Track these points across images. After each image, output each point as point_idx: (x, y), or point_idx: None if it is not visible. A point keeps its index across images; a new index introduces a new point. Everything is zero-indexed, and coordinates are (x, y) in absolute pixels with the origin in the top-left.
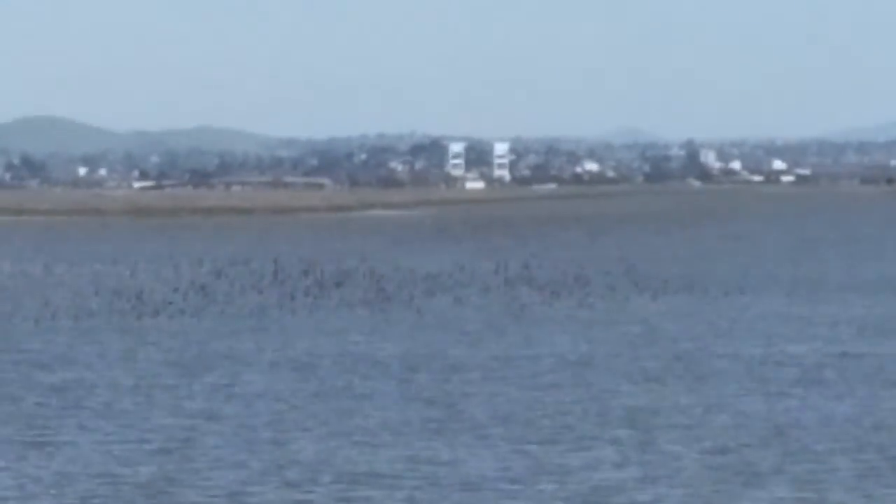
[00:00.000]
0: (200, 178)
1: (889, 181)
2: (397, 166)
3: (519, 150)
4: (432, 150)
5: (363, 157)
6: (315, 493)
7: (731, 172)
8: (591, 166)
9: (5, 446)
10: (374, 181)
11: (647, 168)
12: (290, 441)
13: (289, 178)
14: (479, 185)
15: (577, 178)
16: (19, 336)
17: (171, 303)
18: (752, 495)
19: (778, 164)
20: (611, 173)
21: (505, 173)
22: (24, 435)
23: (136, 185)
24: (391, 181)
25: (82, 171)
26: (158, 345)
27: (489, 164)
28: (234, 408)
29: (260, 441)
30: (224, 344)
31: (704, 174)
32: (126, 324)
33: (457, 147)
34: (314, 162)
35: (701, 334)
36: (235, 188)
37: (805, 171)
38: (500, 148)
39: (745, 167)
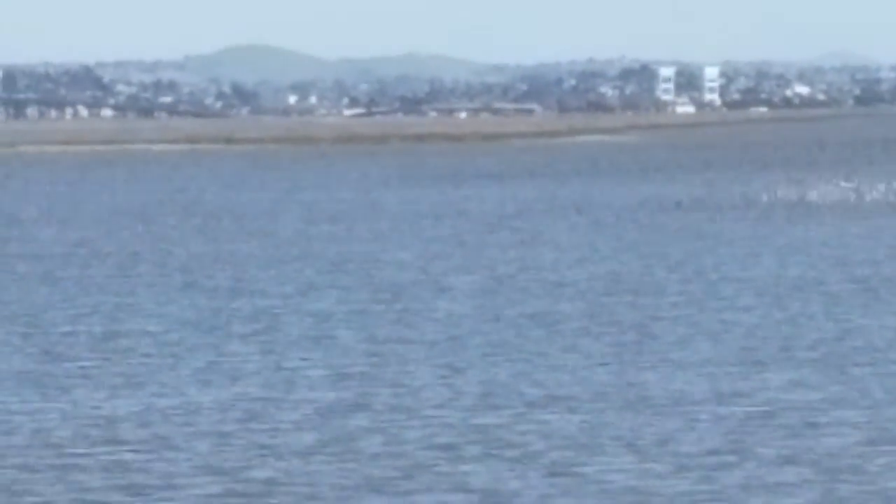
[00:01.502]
0: (410, 105)
1: None
2: (607, 91)
3: (729, 74)
4: (642, 74)
5: (572, 82)
6: (496, 417)
7: None
8: (802, 90)
9: (195, 373)
10: (584, 106)
11: (857, 91)
12: (473, 365)
13: (498, 105)
14: (690, 109)
15: (788, 102)
16: (247, 270)
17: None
18: None
19: None
20: (821, 97)
21: (715, 97)
22: (211, 363)
23: (347, 112)
24: (601, 106)
25: (292, 98)
26: (350, 272)
27: (699, 88)
28: (421, 333)
29: (444, 365)
30: (413, 271)
31: None
32: (321, 251)
33: (667, 72)
34: (523, 88)
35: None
36: (433, 114)
37: None
38: (711, 72)
39: None
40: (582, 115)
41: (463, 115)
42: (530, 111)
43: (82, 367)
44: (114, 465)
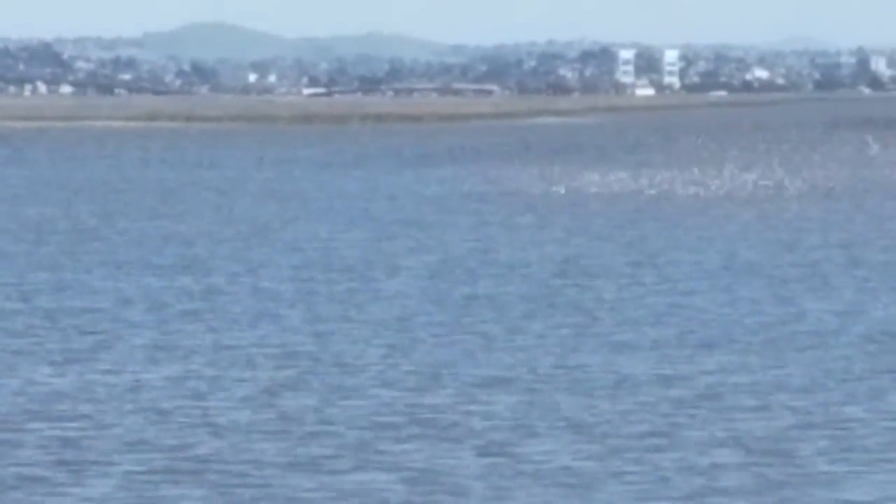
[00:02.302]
0: (370, 84)
1: None
2: (566, 73)
3: (689, 57)
4: (602, 57)
5: (532, 63)
6: (436, 397)
7: None
8: (761, 73)
9: (138, 350)
10: (544, 88)
11: (816, 75)
12: (417, 345)
13: (458, 85)
14: (650, 91)
15: (747, 86)
16: (200, 243)
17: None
18: (890, 399)
19: None
20: (780, 81)
21: (675, 80)
22: (155, 340)
23: (306, 91)
24: (560, 88)
25: (252, 77)
26: (300, 251)
27: (659, 71)
28: (367, 313)
29: (388, 345)
30: (366, 249)
31: (875, 82)
32: (272, 229)
33: (627, 54)
34: (483, 69)
35: (852, 241)
36: (389, 94)
37: None
38: (671, 55)
39: None
40: (541, 97)
41: (415, 95)
42: (489, 92)
43: (26, 344)
44: (51, 440)
